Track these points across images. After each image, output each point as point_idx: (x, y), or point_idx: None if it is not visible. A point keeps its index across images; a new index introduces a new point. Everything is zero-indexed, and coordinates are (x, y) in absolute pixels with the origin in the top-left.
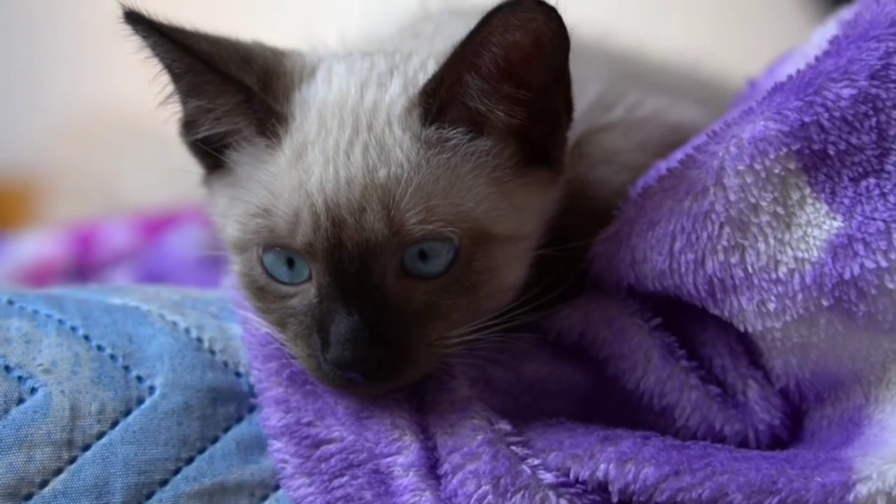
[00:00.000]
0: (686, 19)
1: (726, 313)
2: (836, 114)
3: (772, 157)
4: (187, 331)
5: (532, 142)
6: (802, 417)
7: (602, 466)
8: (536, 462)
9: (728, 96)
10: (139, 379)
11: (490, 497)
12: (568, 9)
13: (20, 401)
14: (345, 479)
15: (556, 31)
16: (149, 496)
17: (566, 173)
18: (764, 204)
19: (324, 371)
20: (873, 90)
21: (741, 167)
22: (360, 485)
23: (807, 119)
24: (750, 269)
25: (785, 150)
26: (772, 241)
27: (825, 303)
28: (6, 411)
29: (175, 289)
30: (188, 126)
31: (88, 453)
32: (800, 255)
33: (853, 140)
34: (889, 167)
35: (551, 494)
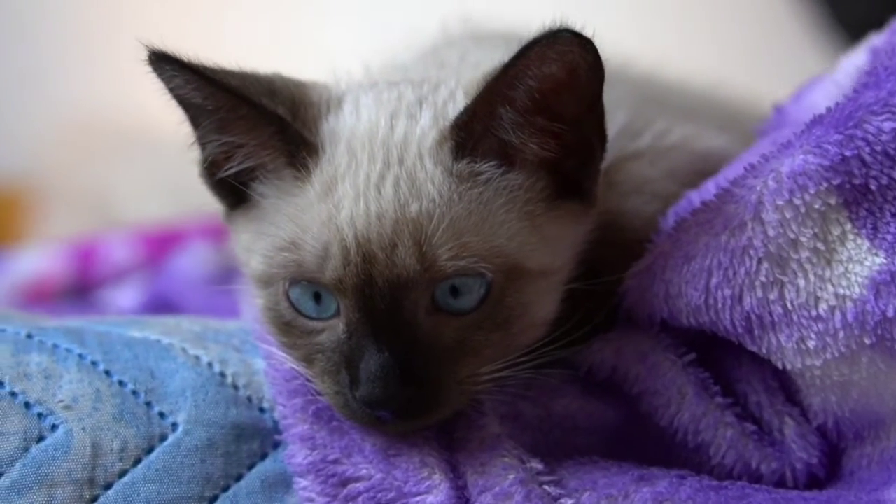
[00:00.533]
0: (684, 39)
1: (764, 350)
2: (878, 147)
3: (812, 191)
4: (210, 365)
5: (563, 174)
6: (840, 456)
7: None
8: (570, 502)
9: (747, 120)
10: (161, 415)
11: None
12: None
13: (40, 438)
14: None
15: (591, 64)
16: None
17: (598, 205)
18: (804, 239)
19: (352, 408)
20: None
21: (780, 202)
22: None
23: (847, 153)
24: (789, 306)
25: (825, 184)
26: (812, 278)
27: (867, 341)
28: (26, 449)
29: (195, 319)
30: (212, 166)
31: (110, 492)
32: (841, 291)
33: (895, 174)
34: None
35: None
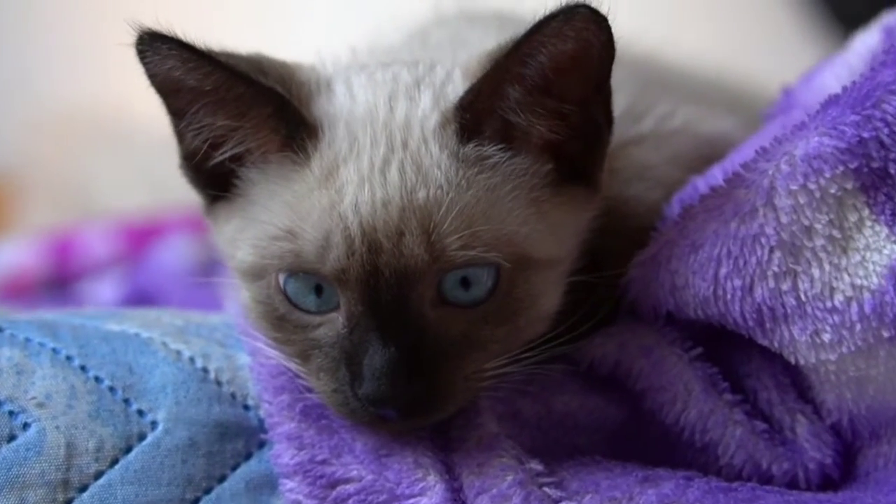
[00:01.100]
0: (678, 23)
1: (776, 344)
2: None
3: (827, 175)
4: (192, 360)
5: (568, 158)
6: (856, 456)
7: None
8: None
9: (745, 104)
10: (140, 413)
11: None
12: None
13: (11, 437)
14: None
15: (605, 42)
16: None
17: (602, 191)
18: (818, 226)
19: (351, 407)
20: None
21: (794, 187)
22: None
23: (865, 135)
24: (803, 297)
25: (842, 168)
26: (827, 267)
27: (886, 334)
28: None
29: (177, 313)
30: (193, 156)
31: (85, 495)
32: (858, 281)
33: None
34: None
35: None
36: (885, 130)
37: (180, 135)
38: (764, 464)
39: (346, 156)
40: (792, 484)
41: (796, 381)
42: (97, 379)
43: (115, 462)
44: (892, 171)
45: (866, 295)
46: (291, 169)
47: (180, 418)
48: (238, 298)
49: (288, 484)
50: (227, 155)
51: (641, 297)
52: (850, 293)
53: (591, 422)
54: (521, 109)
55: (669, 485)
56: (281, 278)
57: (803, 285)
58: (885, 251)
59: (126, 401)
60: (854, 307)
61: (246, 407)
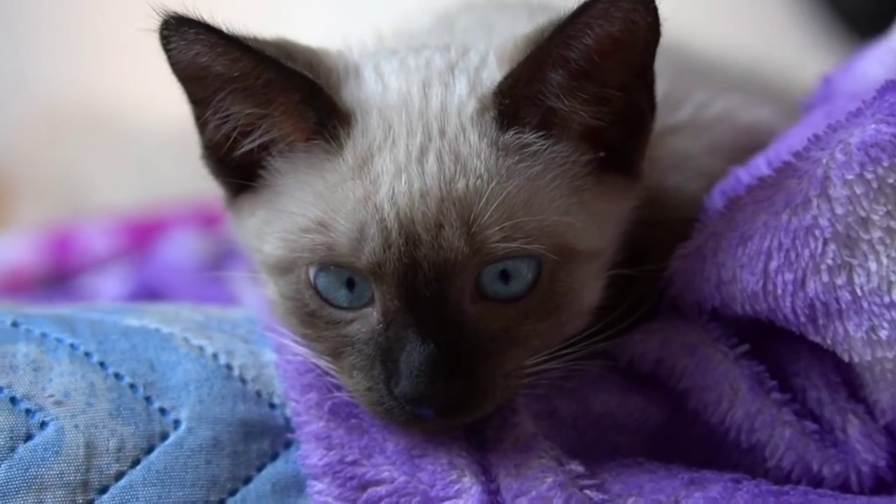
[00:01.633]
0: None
1: (829, 341)
2: None
3: (885, 164)
4: (215, 356)
5: (608, 146)
6: None
7: None
8: None
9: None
10: (162, 411)
11: None
12: None
13: (28, 437)
14: None
15: (650, 24)
16: None
17: (643, 180)
18: (876, 218)
19: (386, 406)
20: None
21: (850, 176)
22: None
23: None
24: (858, 292)
25: None
26: (885, 260)
27: None
28: (12, 449)
29: (196, 307)
30: (217, 145)
31: (106, 496)
32: None
33: None
34: None
35: None
36: None
37: (203, 124)
38: (814, 466)
39: (381, 144)
40: (844, 487)
41: (848, 379)
42: (117, 376)
43: (136, 462)
44: None
45: None
46: (322, 158)
47: (204, 417)
48: (263, 293)
49: (316, 486)
50: (253, 144)
51: (685, 292)
52: None
53: (631, 422)
54: (563, 95)
55: (717, 488)
56: (311, 272)
57: (859, 279)
58: None
59: (147, 399)
60: None
61: (272, 405)
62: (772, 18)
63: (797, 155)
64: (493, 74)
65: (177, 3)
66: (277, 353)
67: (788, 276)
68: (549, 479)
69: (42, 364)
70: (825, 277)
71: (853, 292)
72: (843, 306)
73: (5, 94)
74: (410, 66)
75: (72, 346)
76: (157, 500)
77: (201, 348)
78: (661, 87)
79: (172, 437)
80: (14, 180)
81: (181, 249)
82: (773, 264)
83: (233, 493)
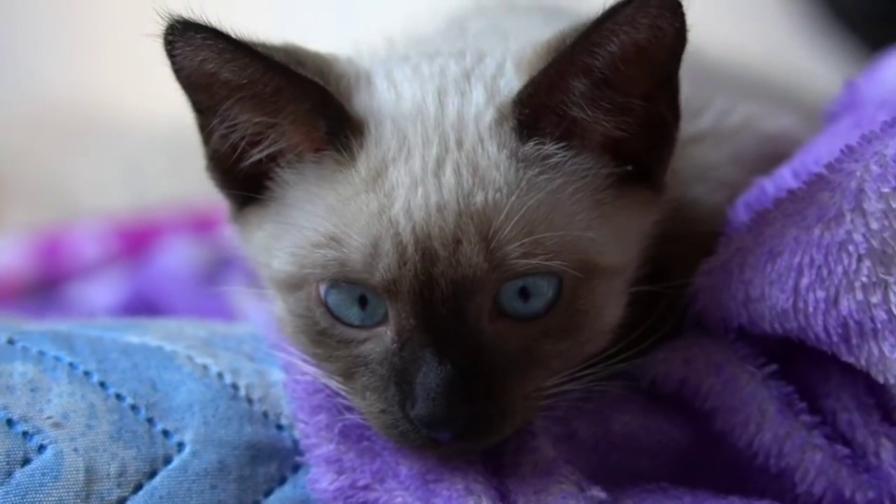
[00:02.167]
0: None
1: (862, 361)
2: None
3: None
4: (220, 376)
5: (630, 157)
6: None
7: None
8: None
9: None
10: (165, 434)
11: None
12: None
13: (26, 461)
14: None
15: (677, 31)
16: None
17: (665, 193)
18: None
19: (401, 429)
20: None
21: (885, 189)
22: None
23: None
24: (895, 310)
25: None
26: None
27: None
28: (9, 474)
29: (199, 323)
30: (223, 156)
31: None
32: None
33: None
34: None
35: None
36: None
37: (207, 134)
38: (847, 492)
39: (396, 155)
40: None
41: (882, 401)
42: (118, 396)
43: (138, 488)
44: None
45: None
46: (333, 169)
47: (209, 439)
48: (269, 309)
49: None
50: (261, 155)
51: (710, 309)
52: None
53: (654, 444)
54: (585, 104)
55: None
56: (322, 289)
57: (895, 297)
58: None
59: (150, 420)
60: None
61: (279, 427)
62: (773, 22)
63: (829, 167)
64: (511, 82)
65: (179, 5)
66: (285, 372)
67: (820, 294)
68: None
69: (40, 384)
70: (859, 295)
71: (889, 311)
72: (879, 325)
73: None
74: (424, 74)
75: (71, 364)
76: None
77: (205, 367)
78: (682, 93)
79: (176, 461)
80: (2, 182)
81: (177, 257)
82: (805, 281)
83: None
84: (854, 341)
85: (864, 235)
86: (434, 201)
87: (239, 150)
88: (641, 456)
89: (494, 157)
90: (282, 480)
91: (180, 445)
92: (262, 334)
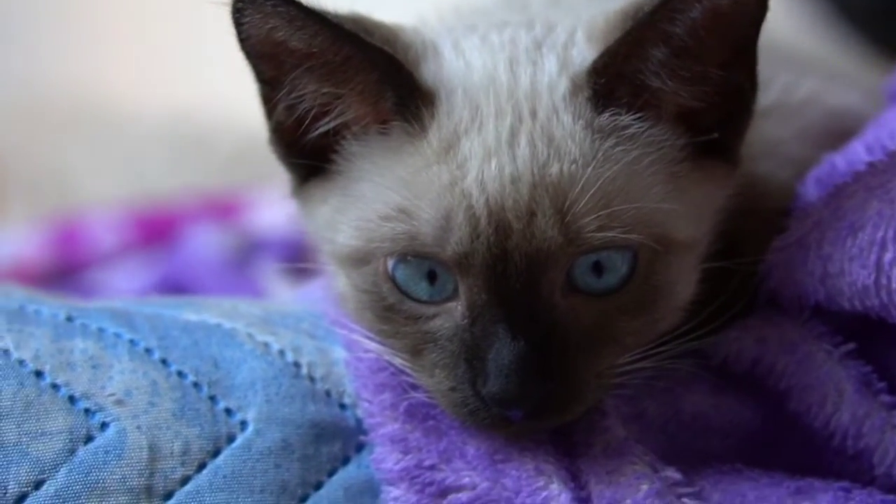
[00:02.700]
0: None
1: None
2: None
3: None
4: (282, 353)
5: (706, 129)
6: None
7: None
8: None
9: None
10: (228, 412)
11: None
12: None
13: (89, 438)
14: None
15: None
16: None
17: (741, 166)
18: None
19: (471, 408)
20: None
21: None
22: None
23: None
24: None
25: None
26: None
27: None
28: (72, 451)
29: (253, 302)
30: (289, 128)
31: (171, 502)
32: None
33: None
34: None
35: None
36: None
37: (272, 106)
38: None
39: (468, 126)
40: None
41: None
42: (180, 374)
43: (202, 466)
44: None
45: None
46: (403, 140)
47: (272, 418)
48: (330, 286)
49: (393, 492)
50: (328, 127)
51: (784, 286)
52: None
53: (724, 425)
54: (663, 73)
55: (826, 497)
56: (389, 264)
57: None
58: None
59: (212, 398)
60: None
61: (342, 406)
62: (776, 18)
63: None
64: (584, 52)
65: None
66: (347, 349)
67: None
68: (645, 487)
69: (101, 361)
70: None
71: None
72: None
73: None
74: (494, 43)
75: (131, 341)
76: None
77: (266, 345)
78: None
79: (240, 440)
80: (2, 175)
81: (205, 243)
82: (888, 256)
83: (303, 499)
84: None
85: None
86: (508, 172)
87: (305, 123)
88: (712, 436)
89: (569, 128)
90: (345, 460)
91: (243, 424)
92: (319, 312)
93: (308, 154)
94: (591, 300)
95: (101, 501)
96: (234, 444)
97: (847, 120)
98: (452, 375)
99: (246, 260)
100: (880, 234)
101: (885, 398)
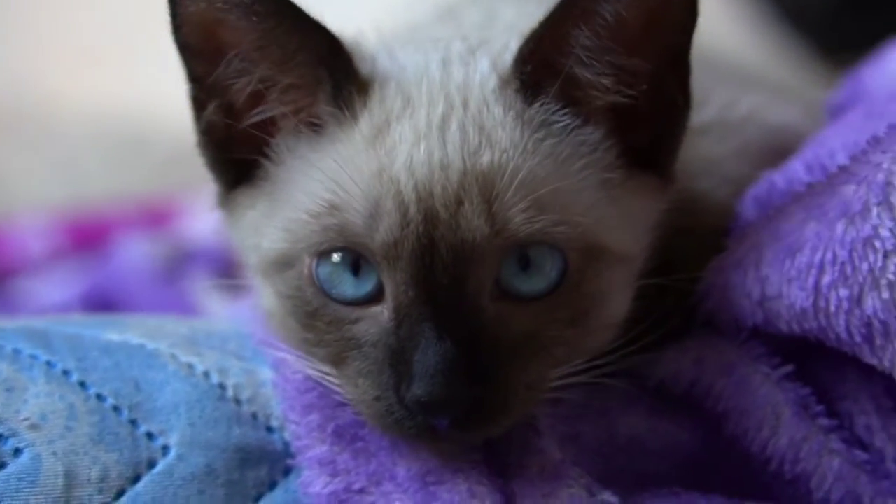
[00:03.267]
0: None
1: (886, 363)
2: None
3: None
4: (206, 375)
5: (639, 143)
6: None
7: None
8: None
9: None
10: (150, 436)
11: None
12: None
13: (1, 465)
14: None
15: (686, 3)
16: None
17: (675, 182)
18: None
19: (396, 417)
20: None
21: None
22: None
23: None
24: None
25: None
26: None
27: None
28: None
29: (180, 320)
30: (220, 127)
31: None
32: None
33: None
34: None
35: None
36: None
37: (201, 106)
38: (865, 500)
39: (400, 113)
40: None
41: None
42: (99, 397)
43: (121, 493)
44: None
45: None
46: (333, 134)
47: (195, 442)
48: (255, 304)
49: None
50: (262, 116)
51: (722, 308)
52: None
53: (660, 448)
54: (589, 61)
55: None
56: (313, 264)
57: None
58: None
59: (133, 422)
60: None
61: (269, 429)
62: (721, 21)
63: (854, 159)
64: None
65: None
66: (275, 371)
67: (844, 293)
68: None
69: (15, 384)
70: (885, 294)
71: None
72: None
73: None
74: (428, 50)
75: (48, 363)
76: None
77: (191, 366)
78: None
79: (161, 465)
80: None
81: (135, 252)
82: (826, 279)
83: None
84: (878, 342)
85: (891, 230)
86: (438, 158)
87: (236, 116)
88: (648, 459)
89: (500, 118)
90: (272, 485)
91: (165, 448)
92: (247, 331)
93: (237, 160)
94: (521, 307)
95: None
96: (156, 470)
97: (786, 137)
98: (377, 383)
99: (177, 271)
100: (819, 256)
101: (824, 422)
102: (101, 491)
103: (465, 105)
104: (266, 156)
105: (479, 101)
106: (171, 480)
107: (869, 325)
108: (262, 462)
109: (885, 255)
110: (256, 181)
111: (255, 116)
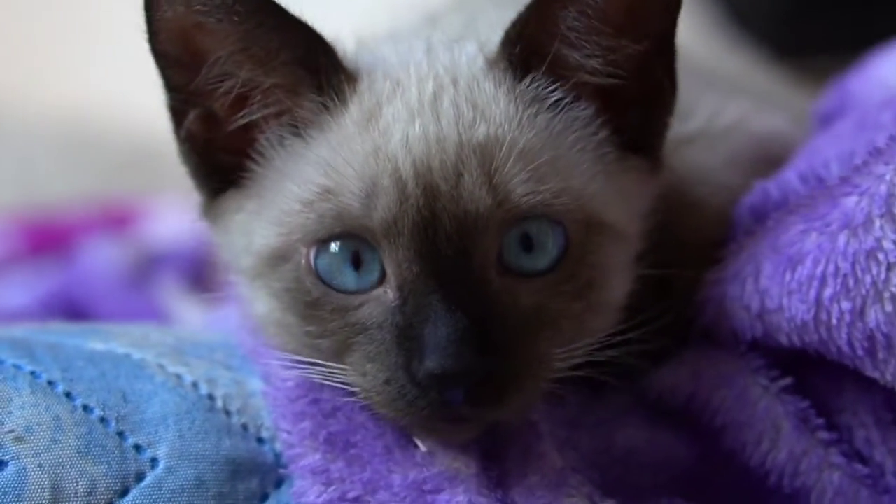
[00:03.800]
0: None
1: (888, 377)
2: None
3: None
4: (195, 386)
5: (628, 126)
6: None
7: None
8: None
9: None
10: (138, 448)
11: None
12: None
13: None
14: None
15: None
16: None
17: (664, 170)
18: None
19: (408, 399)
20: None
21: None
22: None
23: None
24: None
25: None
26: None
27: None
28: None
29: (165, 329)
30: (201, 136)
31: None
32: None
33: None
34: None
35: None
36: None
37: (180, 116)
38: None
39: (391, 95)
40: None
41: None
42: (86, 408)
43: None
44: None
45: None
46: (323, 121)
47: (185, 454)
48: (246, 311)
49: None
50: (249, 118)
51: (720, 320)
52: None
53: (657, 460)
54: (576, 40)
55: None
56: (311, 254)
57: None
58: None
59: (120, 434)
60: None
61: (260, 440)
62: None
63: (856, 169)
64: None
65: None
66: (265, 380)
67: (846, 305)
68: None
69: (0, 395)
70: (888, 307)
71: None
72: None
73: None
74: (411, 45)
75: (32, 373)
76: None
77: (179, 376)
78: None
79: (149, 478)
80: None
81: (100, 258)
82: (828, 292)
83: None
84: (881, 355)
85: (894, 243)
86: (433, 132)
87: (219, 121)
88: (645, 472)
89: (492, 94)
90: (264, 497)
91: (154, 461)
92: (235, 341)
93: (221, 166)
94: (526, 282)
95: None
96: (144, 483)
97: (774, 145)
98: (386, 365)
99: (144, 276)
100: (820, 268)
101: (823, 435)
102: None
103: (455, 83)
104: (251, 158)
105: (469, 79)
106: (160, 493)
107: (871, 338)
108: (253, 474)
109: (889, 268)
110: (242, 184)
111: (240, 120)
